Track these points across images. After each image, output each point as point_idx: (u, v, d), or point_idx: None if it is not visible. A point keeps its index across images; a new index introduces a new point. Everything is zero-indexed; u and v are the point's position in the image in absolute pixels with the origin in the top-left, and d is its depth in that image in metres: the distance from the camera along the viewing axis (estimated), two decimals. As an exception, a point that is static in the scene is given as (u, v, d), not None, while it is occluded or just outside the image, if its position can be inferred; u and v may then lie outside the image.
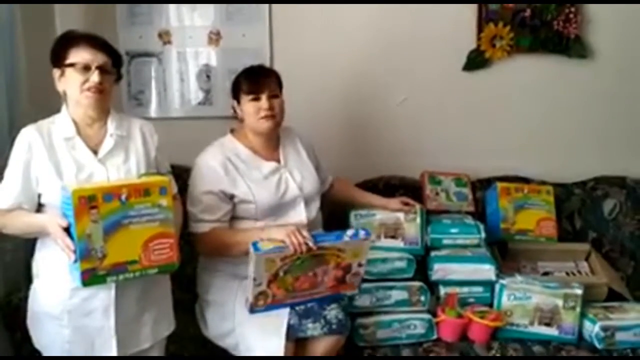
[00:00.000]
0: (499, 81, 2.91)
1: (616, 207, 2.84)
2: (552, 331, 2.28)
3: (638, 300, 2.51)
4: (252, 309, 1.92)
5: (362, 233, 1.98)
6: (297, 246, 1.85)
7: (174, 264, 1.69)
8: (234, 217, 2.10)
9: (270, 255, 1.84)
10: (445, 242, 2.46)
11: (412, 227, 2.45)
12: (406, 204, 2.46)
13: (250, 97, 2.08)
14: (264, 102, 2.07)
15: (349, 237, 1.95)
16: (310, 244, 1.87)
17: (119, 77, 1.86)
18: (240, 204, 2.07)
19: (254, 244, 1.83)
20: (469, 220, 2.56)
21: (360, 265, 2.02)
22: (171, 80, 2.79)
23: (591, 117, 2.98)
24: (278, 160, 2.18)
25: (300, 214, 2.12)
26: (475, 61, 2.88)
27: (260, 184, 2.08)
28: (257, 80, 2.10)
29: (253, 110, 2.08)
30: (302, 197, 2.14)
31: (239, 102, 2.13)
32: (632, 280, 2.75)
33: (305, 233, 1.90)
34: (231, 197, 2.06)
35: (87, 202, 1.53)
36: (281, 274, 1.89)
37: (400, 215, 2.45)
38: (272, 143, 2.20)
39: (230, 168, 2.07)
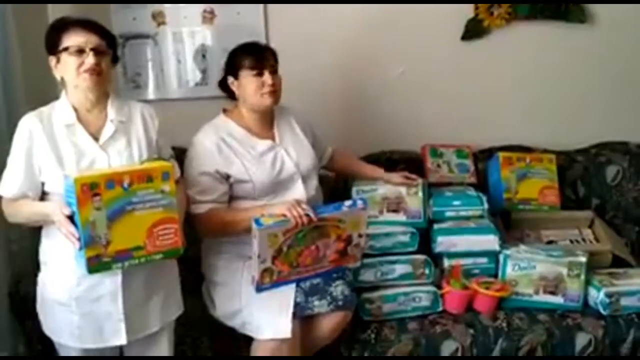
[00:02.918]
0: (498, 50, 2.89)
1: (619, 173, 2.84)
2: (557, 299, 2.30)
3: (642, 266, 2.53)
4: (259, 287, 1.93)
5: (359, 203, 2.03)
6: (298, 218, 1.88)
7: (179, 249, 1.70)
8: (233, 198, 2.10)
9: (273, 229, 1.86)
10: (448, 214, 2.46)
11: (414, 201, 2.45)
12: (407, 178, 2.45)
13: (254, 72, 2.06)
14: (267, 77, 2.06)
15: (348, 207, 1.99)
16: (311, 214, 1.90)
17: (116, 59, 1.84)
18: (237, 184, 2.07)
19: (256, 220, 1.85)
20: (471, 191, 2.56)
21: (360, 235, 2.05)
22: (168, 62, 2.76)
23: (592, 82, 2.97)
24: (273, 139, 2.17)
25: (298, 192, 2.11)
26: (474, 30, 2.85)
27: (255, 163, 2.08)
28: (261, 55, 2.09)
29: (255, 86, 2.07)
30: (299, 173, 2.14)
31: (236, 78, 2.11)
32: (637, 246, 2.77)
33: (304, 205, 1.93)
34: (227, 177, 2.06)
35: (89, 189, 1.53)
36: (285, 248, 1.91)
37: (402, 190, 2.45)
38: (267, 121, 2.18)
39: (224, 148, 2.07)
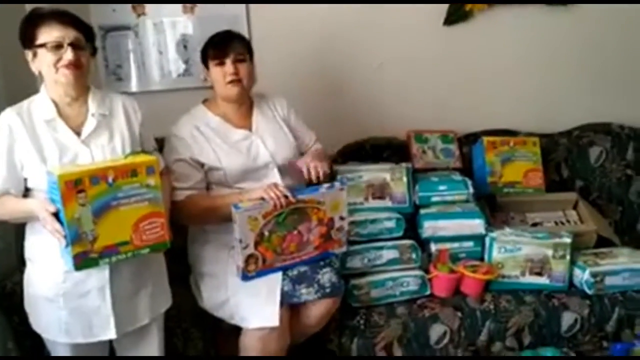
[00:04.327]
0: (480, 34, 2.89)
1: (602, 154, 2.87)
2: (543, 280, 2.33)
3: (626, 245, 2.57)
4: (244, 275, 1.94)
5: (337, 184, 2.05)
6: (276, 199, 1.90)
7: (166, 243, 1.70)
8: (210, 185, 2.12)
9: (252, 212, 1.88)
10: (434, 199, 2.48)
11: (398, 186, 2.46)
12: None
13: (216, 62, 2.08)
14: (228, 66, 2.06)
15: (325, 189, 2.02)
16: (289, 195, 1.91)
17: (94, 51, 1.80)
18: (210, 171, 2.09)
19: (235, 205, 1.87)
20: (457, 176, 2.57)
21: (342, 218, 2.07)
22: (149, 53, 2.72)
23: (574, 64, 2.99)
24: (250, 128, 2.17)
25: (274, 180, 2.09)
26: (456, 15, 2.84)
27: (228, 151, 2.09)
28: (222, 44, 2.09)
29: (219, 75, 2.08)
30: (274, 163, 2.14)
31: (207, 69, 2.12)
32: (620, 226, 2.82)
33: (282, 187, 1.94)
34: (202, 165, 2.08)
35: (73, 186, 1.52)
36: (266, 233, 1.92)
37: (387, 175, 2.46)
38: (244, 110, 2.18)
39: (197, 136, 2.08)
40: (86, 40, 1.73)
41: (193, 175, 2.07)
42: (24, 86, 1.97)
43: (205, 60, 2.12)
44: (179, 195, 2.03)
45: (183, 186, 2.04)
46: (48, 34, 1.66)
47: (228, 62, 2.06)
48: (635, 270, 2.30)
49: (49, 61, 1.66)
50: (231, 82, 2.06)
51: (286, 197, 1.92)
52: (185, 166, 2.06)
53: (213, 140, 2.09)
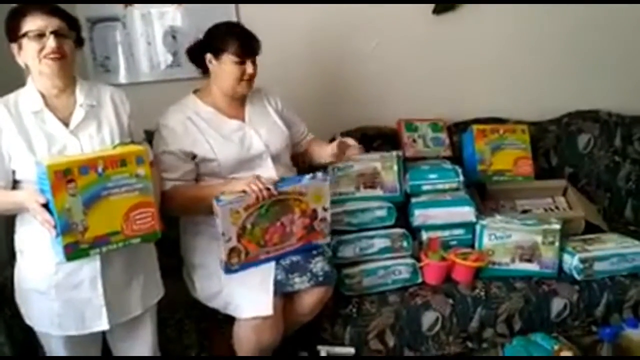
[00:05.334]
0: (469, 22, 2.89)
1: (590, 142, 2.90)
2: (533, 267, 2.35)
3: (614, 231, 2.60)
4: (227, 269, 1.93)
5: (319, 175, 2.05)
6: (258, 192, 1.89)
7: (157, 233, 1.69)
8: (201, 176, 2.11)
9: (234, 205, 1.87)
10: (424, 188, 2.49)
11: (389, 175, 2.48)
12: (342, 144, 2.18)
13: (237, 59, 2.05)
14: (249, 67, 2.06)
15: (308, 179, 2.01)
16: (271, 188, 1.91)
17: (81, 42, 1.80)
18: (203, 162, 2.08)
19: (217, 198, 1.87)
20: (447, 165, 2.59)
21: (325, 209, 2.07)
22: (137, 44, 2.70)
23: (562, 52, 3.00)
24: (242, 119, 2.16)
25: (268, 170, 2.11)
26: (445, 3, 2.83)
27: (222, 141, 2.08)
28: (249, 45, 2.07)
29: (236, 73, 2.06)
30: (268, 153, 2.14)
31: (216, 58, 2.08)
32: (608, 212, 2.84)
33: (264, 179, 1.93)
34: (193, 156, 2.07)
35: (63, 176, 1.51)
36: (249, 226, 1.92)
37: (378, 164, 2.47)
38: (237, 101, 2.18)
39: (190, 127, 2.07)
40: (70, 30, 1.71)
41: (180, 167, 2.06)
42: (11, 81, 1.96)
43: (218, 49, 2.06)
44: (166, 185, 2.02)
45: (171, 177, 2.03)
46: (32, 23, 1.65)
47: (249, 62, 2.06)
48: (623, 255, 2.33)
49: (33, 51, 1.65)
50: (246, 80, 2.07)
51: (268, 189, 1.91)
52: (174, 158, 2.05)
53: (206, 131, 2.08)
